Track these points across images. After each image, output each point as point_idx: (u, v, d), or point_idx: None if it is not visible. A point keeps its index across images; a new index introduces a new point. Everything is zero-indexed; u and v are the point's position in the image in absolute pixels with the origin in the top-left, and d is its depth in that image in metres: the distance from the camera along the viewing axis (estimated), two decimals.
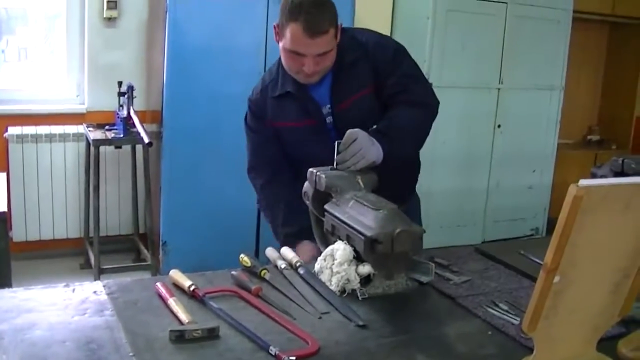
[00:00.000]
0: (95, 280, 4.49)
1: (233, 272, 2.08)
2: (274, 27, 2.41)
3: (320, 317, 1.87)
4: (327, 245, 2.14)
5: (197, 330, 1.69)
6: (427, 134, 2.61)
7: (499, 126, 5.89)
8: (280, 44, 2.41)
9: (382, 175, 2.35)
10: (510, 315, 1.91)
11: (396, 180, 2.58)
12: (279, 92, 2.55)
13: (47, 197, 5.15)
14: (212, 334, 1.70)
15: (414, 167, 2.84)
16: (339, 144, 2.27)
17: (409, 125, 2.47)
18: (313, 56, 2.36)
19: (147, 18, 5.24)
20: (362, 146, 2.28)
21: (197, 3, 4.70)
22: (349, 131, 2.30)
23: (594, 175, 2.58)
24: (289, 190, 2.57)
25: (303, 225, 2.44)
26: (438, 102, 2.62)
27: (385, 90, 2.51)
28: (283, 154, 2.65)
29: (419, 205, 2.91)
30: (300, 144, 2.58)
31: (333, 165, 2.29)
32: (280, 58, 2.51)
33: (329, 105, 2.52)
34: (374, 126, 2.40)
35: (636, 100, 7.08)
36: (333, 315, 1.88)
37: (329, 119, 2.52)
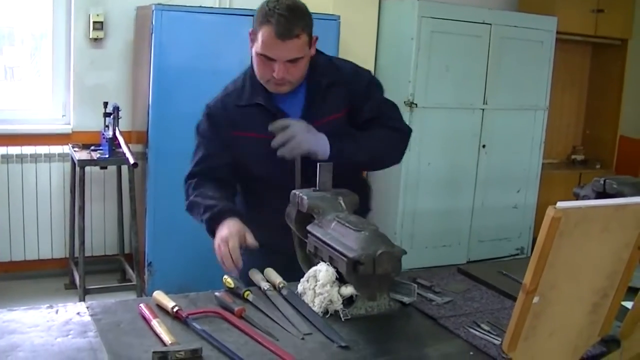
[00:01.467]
0: (80, 300, 4.47)
1: (216, 293, 2.09)
2: (249, 34, 2.42)
3: (303, 338, 1.87)
4: (310, 267, 2.15)
5: (180, 351, 1.69)
6: (392, 153, 2.63)
7: (483, 146, 5.92)
8: (253, 50, 2.41)
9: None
10: (492, 336, 1.92)
11: None
12: (246, 102, 2.52)
13: (32, 217, 5.14)
14: (195, 355, 1.70)
15: (361, 190, 2.61)
16: (321, 166, 2.28)
17: (370, 136, 2.51)
18: (283, 62, 2.36)
19: (133, 39, 5.25)
20: (296, 134, 2.33)
21: (182, 24, 4.72)
22: (282, 119, 2.37)
23: (576, 195, 2.61)
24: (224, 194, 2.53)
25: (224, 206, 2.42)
26: (410, 130, 2.65)
27: (362, 114, 2.54)
28: (230, 170, 2.59)
29: None
30: (261, 157, 2.48)
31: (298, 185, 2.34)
32: (248, 68, 2.54)
33: None
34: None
35: (620, 119, 7.11)
36: (316, 336, 1.89)
37: None
